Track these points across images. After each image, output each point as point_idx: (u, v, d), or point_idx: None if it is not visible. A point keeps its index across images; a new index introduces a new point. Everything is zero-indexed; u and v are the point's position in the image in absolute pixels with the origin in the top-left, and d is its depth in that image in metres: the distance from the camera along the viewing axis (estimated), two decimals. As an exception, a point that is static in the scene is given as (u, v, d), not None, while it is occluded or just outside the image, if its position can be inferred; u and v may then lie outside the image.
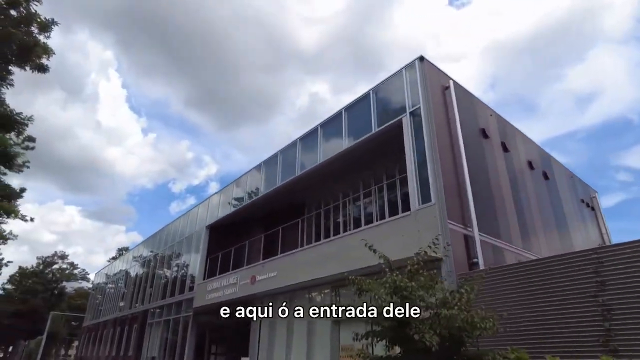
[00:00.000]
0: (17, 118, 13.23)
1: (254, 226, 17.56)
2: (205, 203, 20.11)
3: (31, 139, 27.34)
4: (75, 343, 42.85)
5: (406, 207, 11.19)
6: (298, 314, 11.79)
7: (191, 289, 18.23)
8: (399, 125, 10.44)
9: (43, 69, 15.05)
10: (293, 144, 14.40)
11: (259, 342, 13.12)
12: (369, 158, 12.23)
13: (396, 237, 9.08)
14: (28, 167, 26.68)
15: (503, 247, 10.20)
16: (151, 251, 25.61)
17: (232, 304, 15.00)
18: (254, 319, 13.59)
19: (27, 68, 14.93)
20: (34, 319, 48.18)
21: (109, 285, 33.17)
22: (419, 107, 10.03)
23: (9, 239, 45.85)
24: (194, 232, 20.09)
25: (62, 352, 45.94)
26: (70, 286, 58.02)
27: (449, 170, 9.63)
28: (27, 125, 13.70)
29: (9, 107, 13.34)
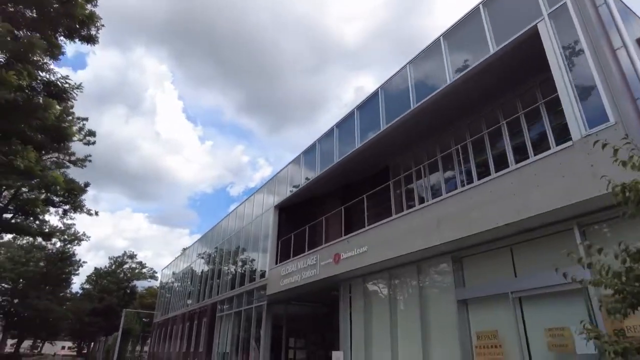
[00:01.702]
0: (65, 85, 11.83)
1: (328, 201, 15.36)
2: (272, 182, 18.24)
3: (92, 133, 27.18)
4: (149, 340, 43.48)
5: (537, 147, 8.47)
6: (404, 294, 9.41)
7: (262, 275, 16.42)
8: (532, 36, 7.70)
9: (92, 39, 13.79)
10: (374, 95, 11.99)
11: (351, 332, 10.89)
12: (480, 94, 9.54)
13: (552, 180, 6.41)
14: (90, 161, 26.48)
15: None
16: (215, 247, 24.32)
17: (314, 288, 12.93)
18: (342, 304, 11.40)
19: (76, 40, 13.78)
20: (110, 317, 49.79)
21: (176, 283, 32.70)
22: (564, 2, 7.23)
23: (82, 240, 47.45)
24: (261, 215, 18.31)
25: (138, 348, 46.93)
26: (141, 285, 59.79)
27: (616, 84, 6.78)
28: (75, 93, 12.22)
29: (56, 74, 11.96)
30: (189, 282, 28.15)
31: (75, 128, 21.39)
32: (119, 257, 59.14)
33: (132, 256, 59.72)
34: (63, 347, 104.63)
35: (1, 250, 45.88)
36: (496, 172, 8.30)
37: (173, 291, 32.82)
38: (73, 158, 25.81)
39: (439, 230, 8.12)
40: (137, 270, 59.30)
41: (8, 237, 46.62)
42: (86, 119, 26.72)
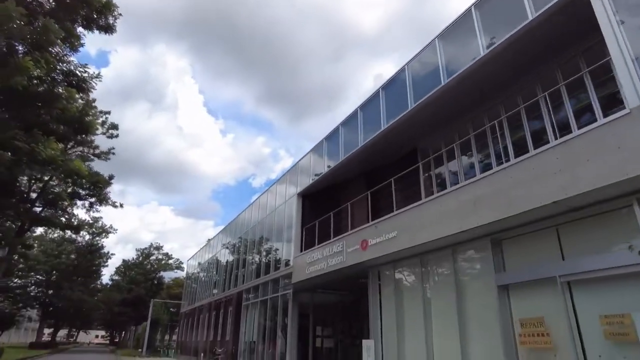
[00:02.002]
0: (84, 74, 11.66)
1: (353, 187, 14.95)
2: (294, 170, 17.93)
3: (114, 126, 27.43)
4: (177, 329, 44.36)
5: (580, 121, 7.83)
6: (438, 280, 8.97)
7: (287, 264, 16.22)
8: (576, -3, 7.01)
9: (110, 28, 13.64)
10: (400, 73, 11.44)
11: (381, 321, 10.51)
12: (516, 66, 8.86)
13: (605, 153, 5.80)
14: (114, 153, 26.80)
15: None
16: (239, 237, 24.27)
17: (340, 276, 12.60)
18: (371, 292, 11.02)
19: (95, 29, 13.66)
20: (139, 307, 51.03)
21: (201, 273, 33.04)
22: (616, -45, 6.51)
23: (110, 232, 48.49)
24: (284, 203, 18.07)
25: (167, 337, 48.00)
26: (168, 276, 60.94)
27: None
28: (94, 82, 12.05)
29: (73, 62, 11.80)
30: (214, 272, 28.34)
31: (98, 121, 21.56)
32: (145, 249, 60.44)
33: (158, 248, 60.94)
34: (97, 336, 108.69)
35: (35, 244, 47.45)
36: (535, 149, 7.69)
37: (199, 281, 33.19)
38: (97, 151, 26.18)
39: (475, 212, 7.60)
40: (163, 262, 60.49)
41: (40, 231, 48.16)
42: (109, 112, 27.01)
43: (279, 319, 15.94)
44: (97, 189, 24.28)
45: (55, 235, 48.51)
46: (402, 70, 11.28)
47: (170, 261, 60.81)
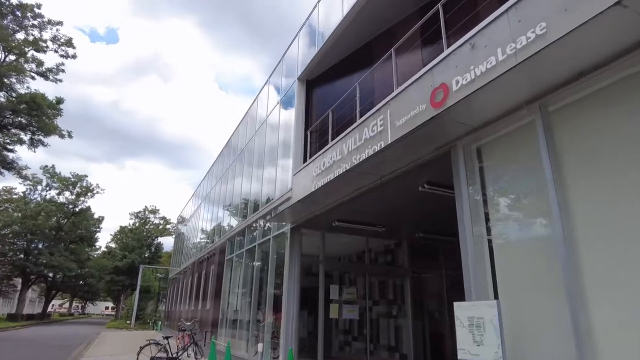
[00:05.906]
0: None
1: (396, 39, 8.62)
2: (293, 47, 11.62)
3: (69, 42, 21.23)
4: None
5: None
6: None
7: (284, 190, 10.17)
8: None
9: None
10: None
11: (492, 261, 4.32)
12: None
13: None
14: (64, 70, 20.69)
15: None
16: (225, 170, 18.17)
17: (376, 175, 6.44)
18: (464, 196, 4.83)
19: None
20: (133, 275, 46.15)
21: (186, 231, 27.46)
22: None
23: (97, 192, 42.89)
24: (278, 103, 11.90)
25: (158, 307, 43.13)
26: (170, 244, 55.85)
27: None
28: None
29: None
30: (199, 225, 22.61)
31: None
32: (139, 212, 55.19)
33: (154, 211, 55.68)
34: (106, 308, 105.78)
35: (9, 207, 42.37)
36: None
37: (184, 241, 27.64)
38: (42, 69, 20.07)
39: None
40: (160, 227, 55.34)
41: (20, 192, 43.00)
42: (60, 23, 20.85)
43: (270, 274, 10.02)
44: (38, 114, 18.30)
45: (36, 196, 43.41)
46: None
47: (168, 226, 55.61)
